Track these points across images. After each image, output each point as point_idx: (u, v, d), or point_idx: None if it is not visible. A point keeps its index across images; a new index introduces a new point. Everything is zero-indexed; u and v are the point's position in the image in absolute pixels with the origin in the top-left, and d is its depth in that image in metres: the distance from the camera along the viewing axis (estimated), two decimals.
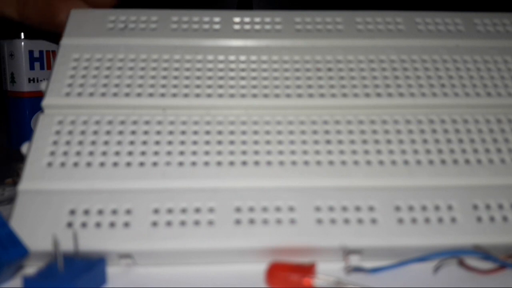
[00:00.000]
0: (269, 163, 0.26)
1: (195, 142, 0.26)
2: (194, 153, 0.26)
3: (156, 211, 0.24)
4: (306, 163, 0.26)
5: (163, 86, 0.28)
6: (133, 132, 0.26)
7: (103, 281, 0.22)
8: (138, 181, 0.25)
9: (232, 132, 0.27)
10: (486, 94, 0.29)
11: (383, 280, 0.22)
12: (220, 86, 0.28)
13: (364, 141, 0.27)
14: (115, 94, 0.28)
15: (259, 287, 0.22)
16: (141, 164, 0.25)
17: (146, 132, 0.26)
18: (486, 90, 0.29)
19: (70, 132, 0.26)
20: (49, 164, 0.25)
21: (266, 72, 0.29)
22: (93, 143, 0.26)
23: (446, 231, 0.24)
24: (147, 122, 0.27)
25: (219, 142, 0.26)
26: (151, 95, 0.28)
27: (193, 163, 0.25)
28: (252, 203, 0.24)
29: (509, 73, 0.30)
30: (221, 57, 0.30)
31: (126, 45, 0.30)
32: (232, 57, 0.30)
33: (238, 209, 0.24)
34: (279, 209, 0.24)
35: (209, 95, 0.28)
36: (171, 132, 0.27)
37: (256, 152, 0.26)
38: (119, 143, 0.26)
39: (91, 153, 0.26)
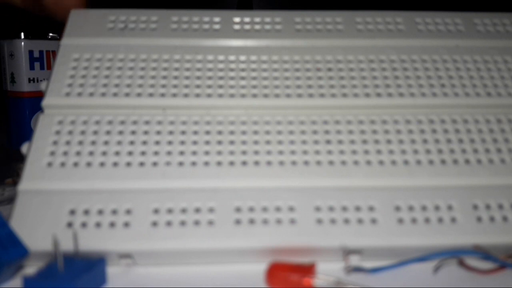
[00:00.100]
0: (269, 163, 0.26)
1: (195, 142, 0.26)
2: (194, 153, 0.26)
3: (156, 211, 0.24)
4: (306, 163, 0.26)
5: (163, 86, 0.28)
6: (133, 132, 0.26)
7: (103, 281, 0.22)
8: (138, 181, 0.25)
9: (232, 132, 0.27)
10: (486, 94, 0.29)
11: (383, 280, 0.22)
12: (220, 86, 0.28)
13: (364, 141, 0.27)
14: (115, 94, 0.28)
15: (259, 287, 0.22)
16: (141, 164, 0.25)
17: (146, 132, 0.26)
18: (486, 90, 0.29)
19: (70, 132, 0.26)
20: (49, 164, 0.25)
21: (266, 72, 0.29)
22: (93, 143, 0.26)
23: (446, 231, 0.24)
24: (147, 122, 0.27)
25: (219, 142, 0.26)
26: (151, 95, 0.28)
27: (193, 163, 0.25)
28: (252, 203, 0.24)
29: (509, 73, 0.30)
30: (221, 57, 0.30)
31: (126, 45, 0.30)
32: (232, 57, 0.30)
33: (238, 209, 0.24)
34: (279, 209, 0.24)
35: (209, 95, 0.28)
36: (171, 132, 0.27)
37: (256, 152, 0.26)
38: (119, 143, 0.26)
39: (91, 153, 0.26)
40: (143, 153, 0.26)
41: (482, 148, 0.27)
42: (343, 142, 0.26)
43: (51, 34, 0.50)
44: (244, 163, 0.26)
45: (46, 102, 0.27)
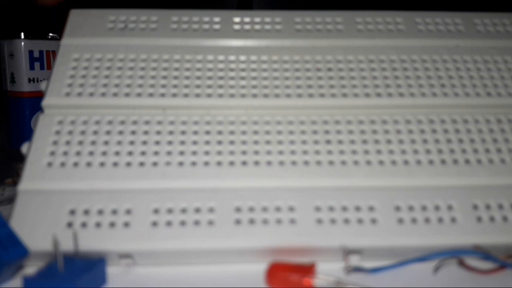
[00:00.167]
0: (269, 163, 0.26)
1: (195, 142, 0.26)
2: (194, 153, 0.26)
3: (156, 211, 0.24)
4: (306, 163, 0.26)
5: (163, 86, 0.28)
6: (133, 132, 0.26)
7: (103, 281, 0.22)
8: (138, 181, 0.25)
9: (232, 132, 0.27)
10: (486, 94, 0.29)
11: (383, 280, 0.22)
12: (220, 86, 0.28)
13: (364, 141, 0.27)
14: (115, 94, 0.28)
15: (259, 287, 0.22)
16: (141, 164, 0.25)
17: (146, 132, 0.26)
18: (486, 90, 0.29)
19: (70, 132, 0.26)
20: (49, 164, 0.25)
21: (266, 72, 0.29)
22: (93, 143, 0.26)
23: (446, 231, 0.24)
24: (147, 122, 0.27)
25: (219, 142, 0.26)
26: (151, 95, 0.28)
27: (193, 163, 0.25)
28: (252, 203, 0.24)
29: (509, 73, 0.30)
30: (221, 57, 0.30)
31: (126, 45, 0.30)
32: (232, 57, 0.30)
33: (238, 209, 0.24)
34: (279, 209, 0.24)
35: (209, 95, 0.28)
36: (171, 132, 0.27)
37: (256, 152, 0.26)
38: (119, 143, 0.26)
39: (91, 153, 0.26)
40: (143, 153, 0.26)
41: (482, 148, 0.27)
42: (343, 142, 0.26)
43: (51, 34, 0.50)
44: (244, 163, 0.26)
45: (46, 102, 0.27)
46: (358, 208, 0.24)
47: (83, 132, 0.26)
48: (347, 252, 0.23)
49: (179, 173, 0.25)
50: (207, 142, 0.26)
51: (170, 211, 0.24)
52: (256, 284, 0.22)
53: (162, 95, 0.28)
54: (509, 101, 0.29)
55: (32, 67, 0.49)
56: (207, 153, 0.26)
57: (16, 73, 0.49)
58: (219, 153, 0.26)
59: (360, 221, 0.24)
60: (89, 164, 0.25)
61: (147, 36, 0.30)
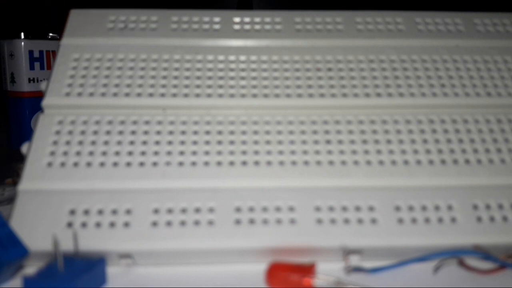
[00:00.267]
0: (269, 163, 0.26)
1: (195, 142, 0.26)
2: (194, 153, 0.26)
3: (156, 211, 0.24)
4: (306, 163, 0.26)
5: (163, 86, 0.28)
6: (133, 132, 0.26)
7: (103, 281, 0.22)
8: (138, 181, 0.25)
9: (232, 132, 0.27)
10: (486, 94, 0.29)
11: (383, 280, 0.22)
12: (220, 86, 0.28)
13: (364, 141, 0.27)
14: (115, 94, 0.28)
15: (259, 287, 0.22)
16: (141, 164, 0.25)
17: (146, 132, 0.26)
18: (486, 90, 0.29)
19: (70, 132, 0.26)
20: (49, 164, 0.25)
21: (266, 72, 0.29)
22: (93, 143, 0.26)
23: (446, 231, 0.24)
24: (147, 122, 0.27)
25: (219, 142, 0.26)
26: (151, 95, 0.28)
27: (193, 163, 0.25)
28: (252, 203, 0.24)
29: (509, 73, 0.30)
30: (221, 57, 0.30)
31: (126, 45, 0.30)
32: (232, 57, 0.30)
33: (238, 209, 0.24)
34: (279, 209, 0.24)
35: (209, 95, 0.28)
36: (171, 132, 0.27)
37: (256, 152, 0.26)
38: (119, 143, 0.26)
39: (91, 153, 0.26)
40: (143, 153, 0.26)
41: (482, 148, 0.27)
42: (343, 142, 0.26)
43: (51, 34, 0.50)
44: (244, 163, 0.26)
45: (46, 102, 0.27)
46: (358, 208, 0.24)
47: (83, 132, 0.26)
48: (347, 252, 0.23)
49: (179, 173, 0.25)
50: (207, 142, 0.26)
51: (170, 211, 0.24)
52: (256, 284, 0.22)
53: (162, 95, 0.28)
54: (509, 101, 0.29)
55: (32, 67, 0.49)
56: (207, 153, 0.26)
57: (16, 73, 0.49)
58: (219, 153, 0.26)
59: (360, 221, 0.24)
60: (89, 164, 0.25)
61: (147, 36, 0.30)
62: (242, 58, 0.30)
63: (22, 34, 0.48)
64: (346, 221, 0.24)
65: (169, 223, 0.23)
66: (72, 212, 0.24)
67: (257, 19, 0.32)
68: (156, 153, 0.26)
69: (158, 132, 0.26)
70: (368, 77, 0.29)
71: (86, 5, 0.32)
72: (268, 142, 0.26)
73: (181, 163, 0.25)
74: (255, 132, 0.27)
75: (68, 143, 0.26)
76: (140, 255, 0.23)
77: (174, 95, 0.28)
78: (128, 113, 0.27)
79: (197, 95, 0.28)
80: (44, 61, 0.50)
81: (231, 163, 0.25)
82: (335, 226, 0.24)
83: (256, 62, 0.30)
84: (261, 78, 0.29)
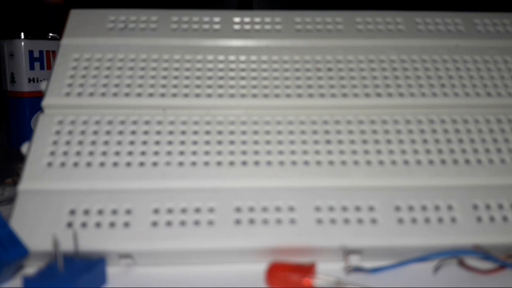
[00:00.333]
0: (269, 163, 0.26)
1: (195, 142, 0.26)
2: (194, 153, 0.26)
3: (156, 211, 0.24)
4: (306, 163, 0.26)
5: (163, 86, 0.28)
6: (133, 132, 0.26)
7: (103, 281, 0.22)
8: (138, 181, 0.25)
9: (232, 132, 0.27)
10: (486, 94, 0.29)
11: (383, 280, 0.22)
12: (220, 86, 0.28)
13: (364, 141, 0.27)
14: (115, 94, 0.28)
15: (259, 287, 0.22)
16: (141, 164, 0.25)
17: (146, 132, 0.26)
18: (486, 90, 0.29)
19: (70, 132, 0.26)
20: (49, 164, 0.25)
21: (266, 72, 0.29)
22: (93, 143, 0.26)
23: (446, 231, 0.24)
24: (147, 122, 0.27)
25: (219, 142, 0.26)
26: (151, 95, 0.28)
27: (193, 163, 0.25)
28: (252, 203, 0.24)
29: (509, 73, 0.30)
30: (221, 57, 0.30)
31: (126, 45, 0.30)
32: (232, 57, 0.30)
33: (238, 209, 0.24)
34: (279, 209, 0.24)
35: (209, 95, 0.28)
36: (171, 132, 0.27)
37: (256, 152, 0.26)
38: (119, 143, 0.26)
39: (91, 153, 0.26)
40: (143, 153, 0.26)
41: (482, 148, 0.27)
42: (343, 142, 0.26)
43: (51, 34, 0.50)
44: (244, 163, 0.26)
45: (46, 102, 0.27)
46: (358, 208, 0.24)
47: (83, 132, 0.26)
48: (347, 252, 0.23)
49: (179, 173, 0.25)
50: (207, 142, 0.26)
51: (170, 211, 0.24)
52: (256, 284, 0.22)
53: (162, 95, 0.28)
54: (509, 101, 0.29)
55: (32, 67, 0.49)
56: (207, 153, 0.26)
57: (16, 73, 0.49)
58: (219, 153, 0.26)
59: (360, 221, 0.24)
60: (89, 164, 0.25)
61: (147, 36, 0.30)
62: (242, 58, 0.30)
63: (22, 34, 0.48)
64: (346, 221, 0.24)
65: (169, 223, 0.23)
66: (72, 212, 0.24)
67: (257, 19, 0.32)
68: (156, 153, 0.26)
69: (158, 132, 0.26)
70: (368, 77, 0.29)
71: (86, 5, 0.32)
72: (268, 142, 0.26)
73: (181, 163, 0.25)
74: (255, 132, 0.27)
75: (68, 143, 0.26)
76: (140, 255, 0.23)
77: (174, 95, 0.28)
78: (128, 113, 0.27)
79: (197, 95, 0.28)
80: (44, 61, 0.50)
81: (231, 163, 0.25)
82: (335, 226, 0.24)
83: (256, 62, 0.30)
84: (261, 78, 0.29)
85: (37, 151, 0.26)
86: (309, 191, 0.25)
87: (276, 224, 0.23)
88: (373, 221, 0.24)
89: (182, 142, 0.26)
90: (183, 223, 0.23)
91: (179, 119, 0.27)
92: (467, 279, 0.22)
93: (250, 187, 0.25)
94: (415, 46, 0.31)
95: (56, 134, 0.26)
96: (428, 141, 0.27)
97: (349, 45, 0.31)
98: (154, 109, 0.28)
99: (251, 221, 0.24)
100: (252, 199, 0.24)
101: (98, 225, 0.23)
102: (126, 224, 0.23)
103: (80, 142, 0.26)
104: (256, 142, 0.26)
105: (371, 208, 0.24)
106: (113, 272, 0.23)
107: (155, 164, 0.25)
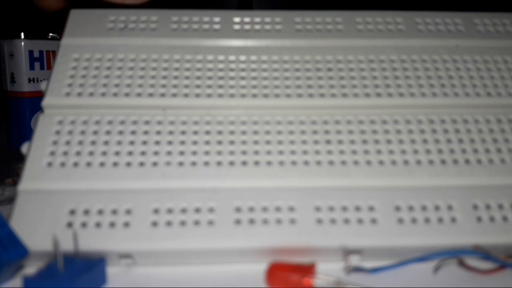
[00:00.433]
0: (269, 163, 0.26)
1: (195, 142, 0.26)
2: (194, 153, 0.26)
3: (156, 211, 0.24)
4: (306, 163, 0.26)
5: (163, 86, 0.28)
6: (133, 132, 0.26)
7: (103, 281, 0.22)
8: (138, 181, 0.25)
9: (232, 132, 0.27)
10: (486, 94, 0.29)
11: (383, 280, 0.22)
12: (220, 86, 0.28)
13: (364, 141, 0.27)
14: (115, 94, 0.28)
15: (259, 287, 0.22)
16: (141, 164, 0.25)
17: (146, 132, 0.26)
18: (486, 90, 0.29)
19: (70, 132, 0.26)
20: (49, 164, 0.25)
21: (266, 72, 0.29)
22: (93, 143, 0.26)
23: (446, 231, 0.24)
24: (147, 122, 0.27)
25: (219, 142, 0.26)
26: (151, 95, 0.28)
27: (193, 163, 0.25)
28: (252, 203, 0.24)
29: (509, 73, 0.30)
30: (221, 57, 0.30)
31: (126, 45, 0.30)
32: (232, 57, 0.30)
33: (238, 209, 0.24)
34: (279, 209, 0.24)
35: (209, 95, 0.28)
36: (171, 132, 0.27)
37: (256, 152, 0.26)
38: (119, 143, 0.26)
39: (91, 153, 0.26)
40: (143, 153, 0.26)
41: (482, 148, 0.27)
42: (343, 142, 0.26)
43: (51, 34, 0.50)
44: (244, 163, 0.25)
45: (46, 102, 0.27)
46: (358, 208, 0.24)
47: (83, 132, 0.26)
48: (347, 252, 0.23)
49: (179, 173, 0.25)
50: (207, 142, 0.26)
51: (170, 211, 0.24)
52: (256, 284, 0.22)
53: (162, 95, 0.28)
54: (509, 101, 0.29)
55: (32, 67, 0.49)
56: (207, 153, 0.26)
57: (16, 73, 0.49)
58: (219, 153, 0.26)
59: (360, 221, 0.24)
60: (89, 164, 0.25)
61: (147, 36, 0.30)
62: (242, 58, 0.30)
63: (22, 34, 0.48)
64: (346, 221, 0.24)
65: (169, 223, 0.23)
66: (72, 212, 0.24)
67: (257, 19, 0.32)
68: (156, 153, 0.26)
69: (158, 132, 0.26)
70: (368, 77, 0.29)
71: (86, 5, 0.32)
72: (268, 142, 0.26)
73: (181, 163, 0.25)
74: (255, 132, 0.27)
75: (68, 143, 0.26)
76: (140, 255, 0.23)
77: (174, 95, 0.28)
78: (128, 113, 0.27)
79: (197, 95, 0.28)
80: (44, 61, 0.50)
81: (231, 163, 0.25)
82: (335, 226, 0.24)
83: (256, 62, 0.30)
84: (261, 78, 0.29)
85: (37, 151, 0.26)
86: (309, 191, 0.25)
87: (276, 224, 0.23)
88: (373, 221, 0.24)
89: (182, 142, 0.26)
90: (183, 223, 0.23)
91: (179, 119, 0.27)
92: (467, 279, 0.22)
93: (250, 187, 0.25)
94: (415, 46, 0.31)
95: (56, 134, 0.26)
96: (428, 141, 0.27)
97: (349, 45, 0.31)
98: (154, 109, 0.28)
99: (251, 221, 0.24)
100: (252, 199, 0.24)
101: (98, 225, 0.23)
102: (126, 224, 0.23)
103: (80, 142, 0.26)
104: (256, 142, 0.26)
105: (371, 208, 0.24)
106: (113, 272, 0.23)
107: (155, 164, 0.25)
